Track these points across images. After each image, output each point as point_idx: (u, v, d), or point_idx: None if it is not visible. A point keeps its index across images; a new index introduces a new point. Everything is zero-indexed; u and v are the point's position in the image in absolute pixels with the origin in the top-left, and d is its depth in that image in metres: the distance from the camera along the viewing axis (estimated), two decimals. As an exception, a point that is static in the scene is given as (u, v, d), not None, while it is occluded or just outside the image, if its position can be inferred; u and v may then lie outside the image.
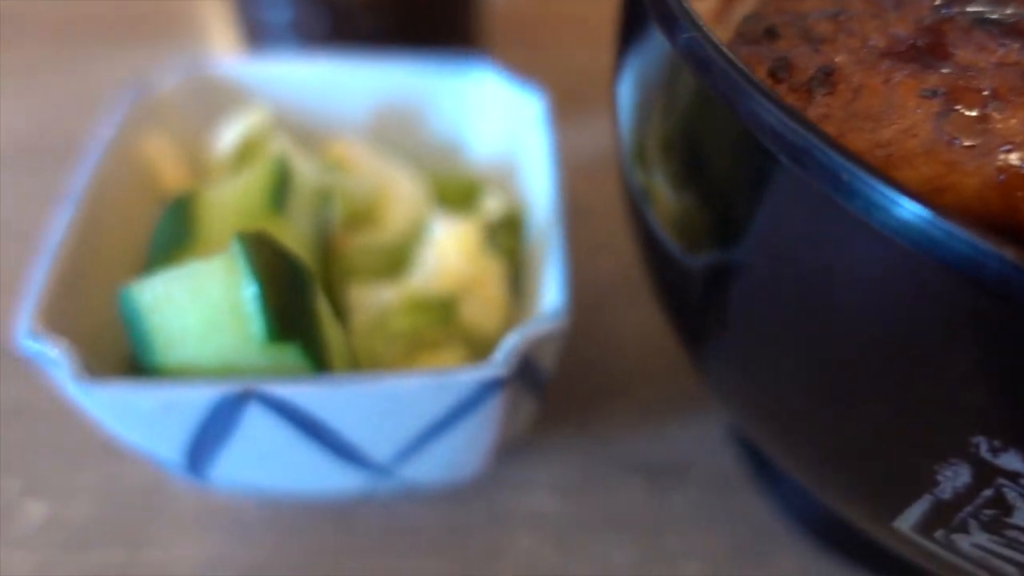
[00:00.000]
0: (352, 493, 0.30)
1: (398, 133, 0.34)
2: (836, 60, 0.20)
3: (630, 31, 0.24)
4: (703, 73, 0.19)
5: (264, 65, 0.33)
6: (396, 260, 0.30)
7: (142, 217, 0.29)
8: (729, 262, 0.21)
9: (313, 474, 0.28)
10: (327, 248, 0.29)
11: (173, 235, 0.26)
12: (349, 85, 0.33)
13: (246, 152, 0.31)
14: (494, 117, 0.33)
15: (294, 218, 0.27)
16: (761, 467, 0.34)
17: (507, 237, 0.31)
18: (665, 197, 0.23)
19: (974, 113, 0.19)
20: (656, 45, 0.21)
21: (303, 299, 0.23)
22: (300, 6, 0.39)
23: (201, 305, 0.22)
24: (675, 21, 0.19)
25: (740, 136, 0.18)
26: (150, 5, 0.56)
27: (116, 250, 0.27)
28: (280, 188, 0.27)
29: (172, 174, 0.30)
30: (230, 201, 0.27)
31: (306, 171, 0.29)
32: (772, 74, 0.21)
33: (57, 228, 0.26)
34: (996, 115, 0.19)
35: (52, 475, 0.33)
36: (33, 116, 0.49)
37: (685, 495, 0.33)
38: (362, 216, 0.31)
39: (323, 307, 0.24)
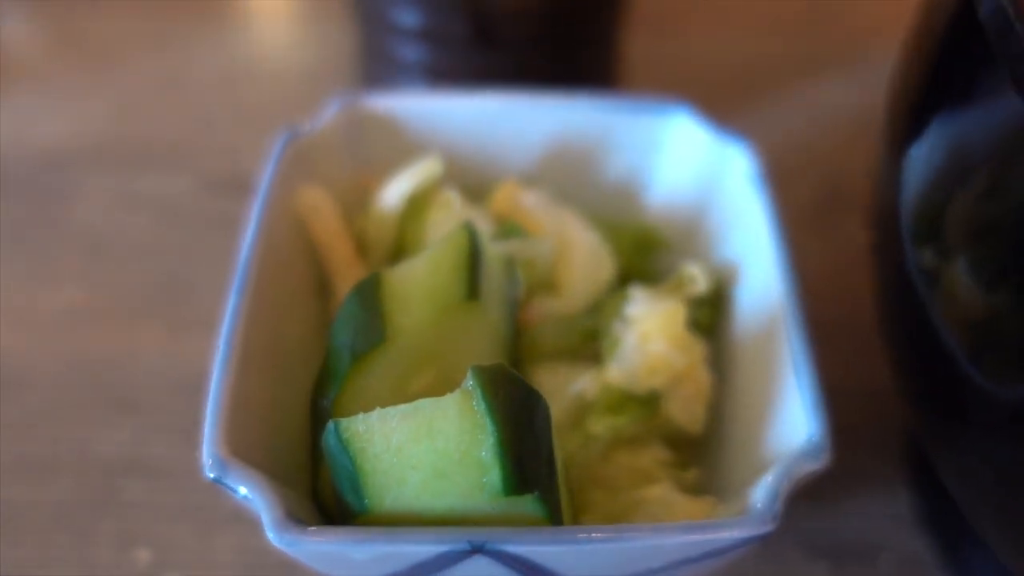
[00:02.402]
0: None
1: (563, 179, 0.30)
2: None
3: (948, 84, 0.20)
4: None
5: (423, 100, 0.29)
6: (584, 334, 0.27)
7: (308, 295, 0.25)
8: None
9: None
10: (515, 329, 0.25)
11: (358, 329, 0.22)
12: (516, 124, 0.29)
13: (414, 205, 0.27)
14: (684, 169, 0.29)
15: (488, 303, 0.23)
16: (953, 552, 0.31)
17: (706, 312, 0.27)
18: (970, 291, 0.19)
19: None
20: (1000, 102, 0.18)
21: (542, 444, 0.20)
22: (435, 9, 0.35)
23: (426, 449, 0.19)
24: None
25: None
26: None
27: (291, 341, 0.24)
28: (474, 268, 0.23)
29: (332, 233, 0.26)
30: (420, 287, 0.23)
31: (486, 233, 0.25)
32: None
33: (227, 324, 0.22)
34: None
35: (185, 545, 0.30)
36: (117, 104, 0.44)
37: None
38: (542, 280, 0.27)
39: (557, 447, 0.20)
